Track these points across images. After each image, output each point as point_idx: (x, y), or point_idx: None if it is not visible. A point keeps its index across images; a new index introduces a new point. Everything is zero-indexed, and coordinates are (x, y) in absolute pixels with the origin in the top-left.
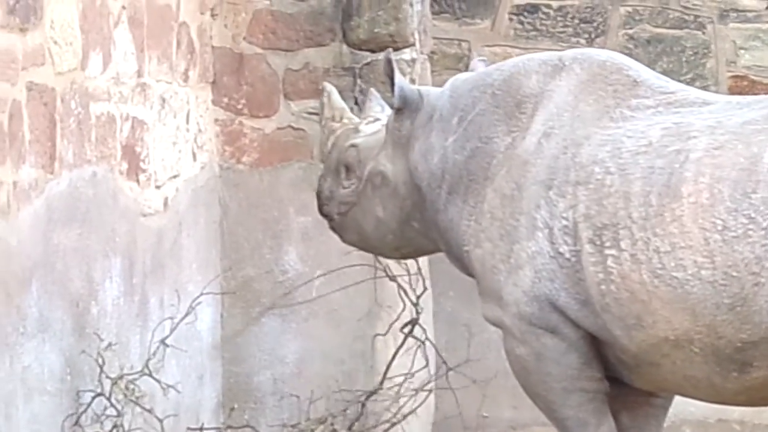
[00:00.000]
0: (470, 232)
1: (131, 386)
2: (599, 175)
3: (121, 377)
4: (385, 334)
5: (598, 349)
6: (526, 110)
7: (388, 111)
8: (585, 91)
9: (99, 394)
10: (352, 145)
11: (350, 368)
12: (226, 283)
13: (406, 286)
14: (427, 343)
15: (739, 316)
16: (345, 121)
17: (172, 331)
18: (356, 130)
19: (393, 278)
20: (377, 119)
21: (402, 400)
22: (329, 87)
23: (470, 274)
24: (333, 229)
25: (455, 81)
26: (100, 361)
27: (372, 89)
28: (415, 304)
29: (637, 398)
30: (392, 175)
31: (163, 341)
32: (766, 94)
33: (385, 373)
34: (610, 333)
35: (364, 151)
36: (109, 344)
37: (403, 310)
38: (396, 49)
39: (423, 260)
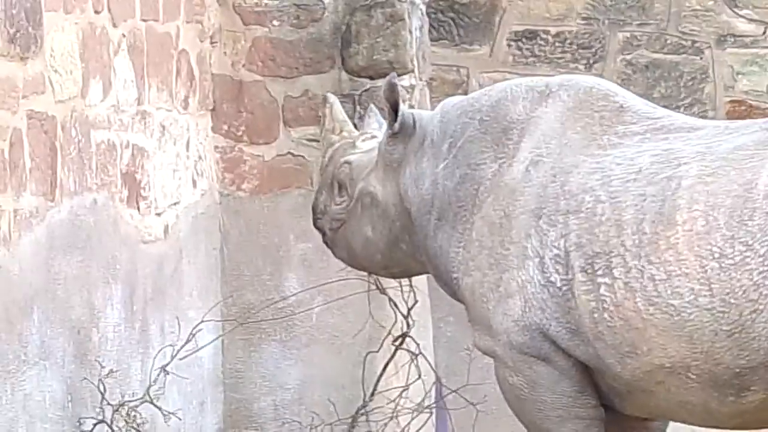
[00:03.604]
0: (459, 260)
1: (132, 413)
2: (590, 204)
3: (122, 404)
4: (377, 351)
5: (590, 376)
6: (513, 137)
7: (385, 128)
8: (572, 118)
9: (100, 422)
10: (346, 162)
11: (351, 394)
12: (227, 309)
13: (398, 300)
14: (422, 359)
15: (737, 342)
16: (344, 134)
17: (173, 358)
18: (353, 146)
19: (384, 291)
20: (374, 136)
21: (401, 418)
22: (332, 98)
23: (459, 300)
24: (325, 243)
25: (445, 105)
26: (101, 388)
27: (372, 105)
28: (406, 317)
29: (634, 423)
30: (382, 197)
31: (164, 368)
32: (762, 118)
33: (375, 386)
34: (602, 361)
35: (357, 169)
36: (111, 371)
37: (394, 323)
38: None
39: (423, 282)
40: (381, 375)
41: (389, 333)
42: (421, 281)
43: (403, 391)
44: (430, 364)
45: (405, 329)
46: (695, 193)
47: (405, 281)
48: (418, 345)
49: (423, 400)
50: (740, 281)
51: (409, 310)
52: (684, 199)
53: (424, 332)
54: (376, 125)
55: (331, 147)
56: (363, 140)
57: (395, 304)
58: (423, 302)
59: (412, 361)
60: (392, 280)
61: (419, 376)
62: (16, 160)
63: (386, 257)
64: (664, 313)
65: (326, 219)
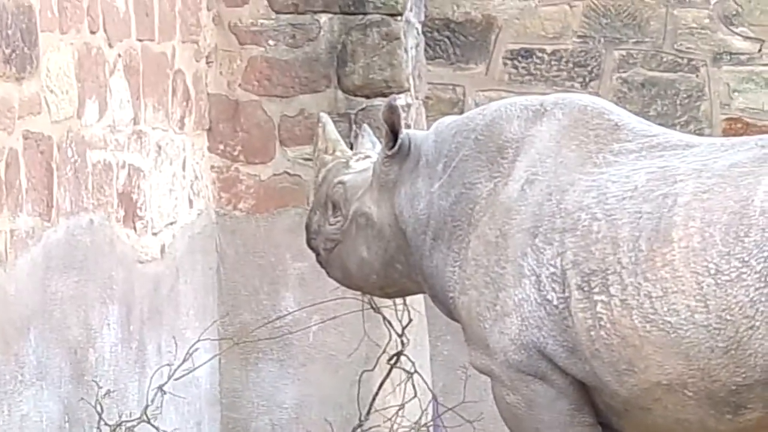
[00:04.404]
0: (455, 279)
1: None
2: (586, 222)
3: (119, 424)
4: (373, 369)
5: (588, 394)
6: (508, 156)
7: (379, 148)
8: (567, 136)
9: None
10: (340, 182)
11: (348, 413)
12: (224, 329)
13: (393, 319)
14: (418, 377)
15: (733, 359)
16: (338, 153)
17: (170, 377)
18: (347, 165)
19: (378, 310)
20: (367, 156)
21: None
22: (325, 117)
23: (455, 319)
24: (320, 263)
25: (439, 125)
26: (98, 408)
27: (366, 124)
28: (401, 336)
29: None
30: (377, 218)
31: (161, 388)
32: (757, 135)
33: (371, 404)
34: (599, 379)
35: (351, 189)
36: (108, 391)
37: (389, 342)
38: (391, 95)
39: (419, 301)
40: (377, 393)
41: (384, 351)
42: (416, 300)
43: (400, 409)
44: (426, 382)
45: (400, 348)
46: (691, 210)
47: (399, 300)
48: (413, 363)
49: (420, 418)
50: (736, 297)
51: (403, 328)
52: (680, 216)
53: (420, 351)
54: (370, 145)
55: (325, 167)
56: (357, 160)
57: (390, 323)
58: (419, 321)
59: (408, 379)
60: (387, 300)
61: (415, 395)
62: (12, 181)
63: (381, 277)
64: (661, 330)
65: (320, 239)
